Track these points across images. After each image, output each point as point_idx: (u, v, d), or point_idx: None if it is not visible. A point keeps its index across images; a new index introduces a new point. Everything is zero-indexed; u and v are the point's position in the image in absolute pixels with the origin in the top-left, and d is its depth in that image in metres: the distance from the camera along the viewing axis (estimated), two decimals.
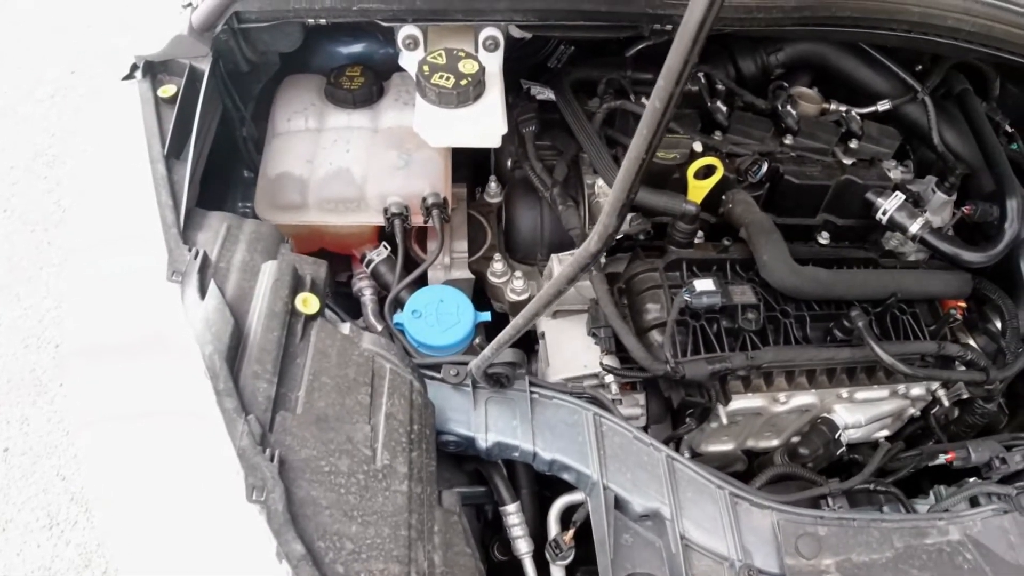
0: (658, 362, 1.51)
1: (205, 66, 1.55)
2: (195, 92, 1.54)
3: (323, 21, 1.51)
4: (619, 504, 1.32)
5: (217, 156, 1.74)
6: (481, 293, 1.85)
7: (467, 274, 1.74)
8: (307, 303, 1.32)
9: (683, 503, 1.32)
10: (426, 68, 1.42)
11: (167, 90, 1.56)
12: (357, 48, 1.94)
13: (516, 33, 1.54)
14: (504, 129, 1.46)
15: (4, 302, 2.95)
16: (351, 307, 1.82)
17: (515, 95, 1.92)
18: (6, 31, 3.41)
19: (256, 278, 1.34)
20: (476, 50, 1.52)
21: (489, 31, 1.49)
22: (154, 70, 1.60)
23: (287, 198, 1.66)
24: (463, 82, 1.41)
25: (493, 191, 1.87)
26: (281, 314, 1.28)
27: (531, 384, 1.42)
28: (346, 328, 1.34)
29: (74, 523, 2.44)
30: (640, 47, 1.91)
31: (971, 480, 1.55)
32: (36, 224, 2.99)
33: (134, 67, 1.60)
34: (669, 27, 1.53)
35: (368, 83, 1.77)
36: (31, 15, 3.29)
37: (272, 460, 1.10)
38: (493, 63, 1.52)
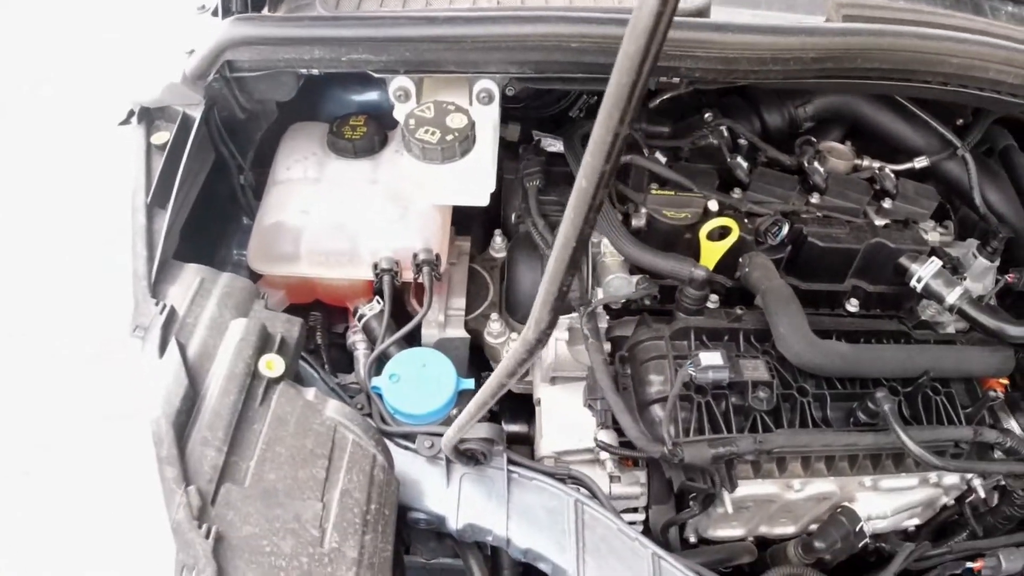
0: (655, 443, 1.39)
1: (197, 114, 1.53)
2: (185, 140, 1.51)
3: (315, 71, 1.46)
4: None
5: (217, 203, 1.71)
6: (480, 353, 1.76)
7: (462, 333, 1.65)
8: (271, 365, 1.25)
9: None
10: (412, 122, 1.36)
11: (160, 137, 1.54)
12: (370, 97, 1.90)
13: (509, 91, 1.46)
14: (492, 187, 1.38)
15: None
16: (347, 360, 1.76)
17: (524, 147, 1.85)
18: (7, 31, 3.44)
19: (222, 336, 1.28)
20: (470, 103, 1.45)
21: (484, 83, 1.42)
22: (150, 116, 1.58)
23: (280, 249, 1.61)
24: (449, 137, 1.34)
25: (498, 245, 1.79)
26: (241, 376, 1.21)
27: (510, 462, 1.32)
28: (310, 394, 1.26)
29: None
30: (664, 98, 1.83)
31: None
32: (35, 224, 2.96)
33: (131, 112, 1.59)
34: (676, 79, 1.43)
35: (370, 133, 1.72)
36: (32, 15, 3.31)
37: (208, 537, 1.02)
38: (487, 117, 1.44)
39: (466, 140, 1.35)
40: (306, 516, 1.12)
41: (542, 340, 0.76)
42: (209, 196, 1.62)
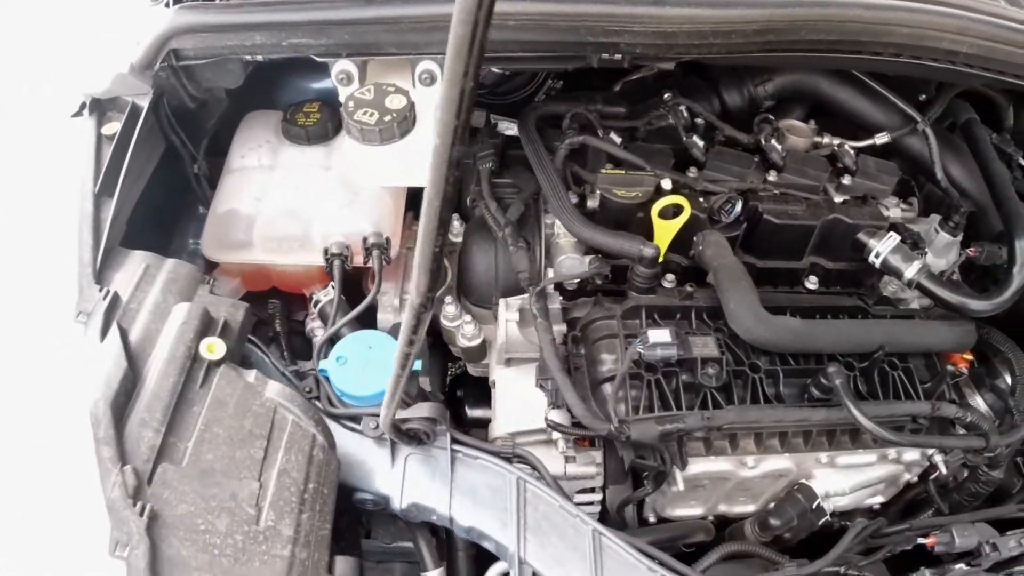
0: (601, 420, 1.38)
1: (146, 103, 1.53)
2: (133, 130, 1.51)
3: (259, 57, 1.46)
4: None
5: (172, 193, 1.72)
6: (439, 337, 1.76)
7: None
8: (212, 348, 1.26)
9: None
10: (351, 104, 1.36)
11: (111, 128, 1.54)
12: (326, 84, 1.89)
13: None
14: None
15: None
16: (309, 347, 1.76)
17: (479, 130, 1.84)
18: (7, 31, 3.43)
19: (165, 320, 1.29)
20: (413, 85, 1.45)
21: (425, 64, 1.42)
22: (102, 108, 1.59)
23: (233, 236, 1.62)
24: (387, 118, 1.34)
25: (456, 229, 1.78)
26: (181, 359, 1.22)
27: (454, 441, 1.32)
28: (251, 376, 1.27)
29: None
30: (628, 80, 1.83)
31: (957, 567, 1.36)
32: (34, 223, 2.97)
33: (83, 104, 1.59)
34: (617, 56, 1.42)
35: (324, 119, 1.73)
36: (33, 15, 3.31)
37: (142, 515, 1.03)
38: (430, 98, 1.44)
39: (404, 121, 1.35)
40: (242, 495, 1.12)
41: (426, 304, 0.76)
42: (164, 185, 1.63)
